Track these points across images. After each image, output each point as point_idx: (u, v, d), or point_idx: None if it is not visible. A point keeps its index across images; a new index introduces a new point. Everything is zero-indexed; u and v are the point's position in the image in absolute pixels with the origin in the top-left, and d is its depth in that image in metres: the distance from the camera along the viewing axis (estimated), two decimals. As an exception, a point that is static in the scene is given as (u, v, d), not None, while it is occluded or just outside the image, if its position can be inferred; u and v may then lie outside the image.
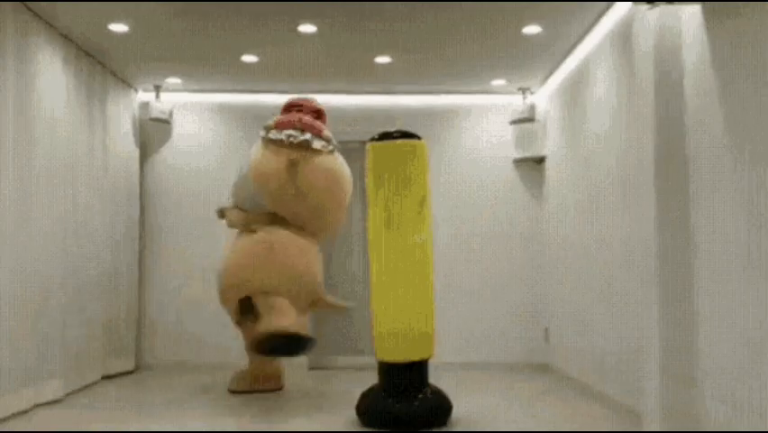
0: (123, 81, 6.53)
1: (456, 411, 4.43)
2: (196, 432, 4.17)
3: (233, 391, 5.48)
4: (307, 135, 4.97)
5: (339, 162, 5.22)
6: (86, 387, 5.59)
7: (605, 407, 4.83)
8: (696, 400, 3.50)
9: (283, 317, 4.71)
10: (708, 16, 3.46)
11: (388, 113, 6.87)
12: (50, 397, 4.92)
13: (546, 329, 6.67)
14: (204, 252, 6.89)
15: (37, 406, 4.75)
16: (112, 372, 6.11)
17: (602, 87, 5.18)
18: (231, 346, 6.68)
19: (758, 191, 3.02)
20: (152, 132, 6.97)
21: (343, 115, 6.99)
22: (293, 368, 6.65)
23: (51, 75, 5.14)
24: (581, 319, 5.62)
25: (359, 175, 7.00)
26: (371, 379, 4.61)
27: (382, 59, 5.94)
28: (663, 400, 3.59)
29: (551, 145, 6.60)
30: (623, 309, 4.68)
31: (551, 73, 6.36)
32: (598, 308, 5.24)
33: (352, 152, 7.22)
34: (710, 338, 3.40)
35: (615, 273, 4.86)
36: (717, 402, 3.32)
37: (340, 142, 6.65)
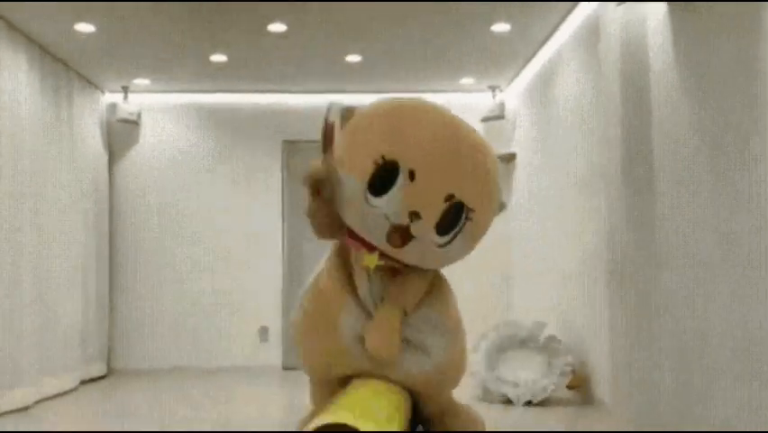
0: (90, 83, 6.44)
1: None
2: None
3: None
4: None
5: None
6: (64, 393, 5.50)
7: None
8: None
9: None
10: (673, 14, 3.51)
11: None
12: (19, 404, 4.84)
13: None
14: (173, 255, 6.84)
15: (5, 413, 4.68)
16: (85, 377, 6.03)
17: (570, 84, 5.23)
18: (202, 349, 6.67)
19: (722, 184, 3.07)
20: (120, 133, 6.90)
21: (314, 114, 6.96)
22: (267, 368, 6.64)
23: (14, 77, 5.04)
24: (554, 314, 5.68)
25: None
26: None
27: (353, 58, 5.93)
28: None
29: (520, 142, 6.66)
30: (592, 301, 4.73)
31: (520, 71, 6.41)
32: (573, 303, 5.29)
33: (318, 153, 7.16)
34: (667, 329, 3.46)
35: (581, 269, 4.92)
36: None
37: (309, 142, 6.61)
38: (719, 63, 3.09)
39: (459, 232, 3.34)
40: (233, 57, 5.87)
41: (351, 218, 3.37)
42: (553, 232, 5.70)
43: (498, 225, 3.69)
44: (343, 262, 3.49)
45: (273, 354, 6.79)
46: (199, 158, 6.97)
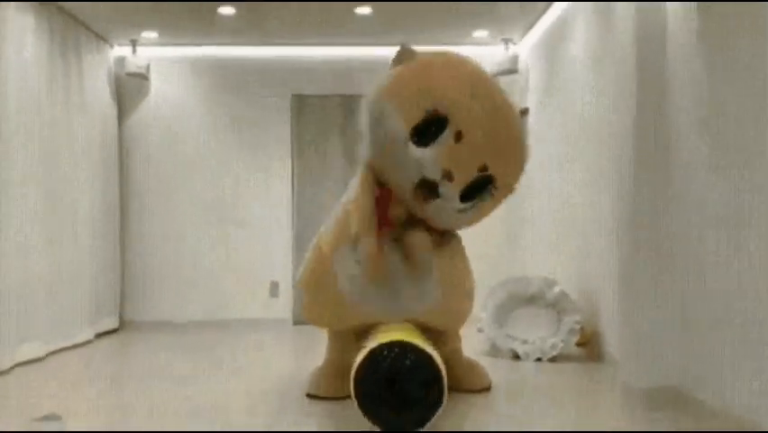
0: (98, 36, 6.38)
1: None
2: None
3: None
4: None
5: None
6: (77, 346, 5.57)
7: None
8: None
9: None
10: (691, -36, 3.41)
11: (368, 66, 6.76)
12: (32, 356, 4.90)
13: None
14: (183, 209, 6.85)
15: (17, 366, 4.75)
16: (96, 331, 6.09)
17: (583, 37, 5.12)
18: (213, 303, 6.73)
19: (741, 136, 3.01)
20: (129, 87, 6.85)
21: (323, 68, 6.89)
22: (278, 323, 6.70)
23: (23, 32, 4.99)
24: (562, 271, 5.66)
25: (340, 132, 6.95)
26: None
27: (363, 10, 5.82)
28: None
29: (534, 97, 6.56)
30: (602, 258, 4.71)
31: (533, 24, 6.28)
32: (575, 259, 5.27)
33: (333, 107, 7.14)
34: (677, 286, 3.44)
35: (591, 225, 4.88)
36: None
37: (318, 97, 6.58)
38: (742, 24, 3.00)
39: (477, 203, 3.38)
40: (241, 9, 5.78)
41: (385, 159, 3.38)
42: (563, 187, 5.65)
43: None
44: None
45: (283, 309, 6.83)
46: (208, 111, 6.92)
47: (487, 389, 3.81)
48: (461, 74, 3.54)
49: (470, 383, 3.76)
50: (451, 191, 3.35)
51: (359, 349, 3.27)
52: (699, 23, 3.36)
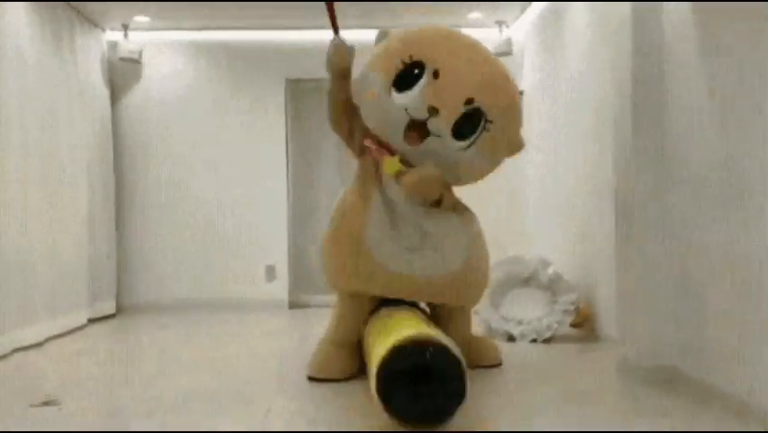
0: (89, 20, 6.34)
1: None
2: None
3: None
4: None
5: None
6: (72, 331, 5.58)
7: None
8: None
9: None
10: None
11: (363, 49, 6.72)
12: (31, 341, 4.92)
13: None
14: (178, 193, 6.85)
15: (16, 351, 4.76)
16: (93, 316, 6.11)
17: (580, 20, 5.12)
18: (209, 286, 6.75)
19: (733, 125, 3.03)
20: (122, 72, 6.82)
21: (317, 52, 6.85)
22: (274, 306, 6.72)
23: (16, 17, 4.96)
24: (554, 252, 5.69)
25: (326, 116, 6.92)
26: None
27: (356, -7, 5.80)
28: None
29: (528, 79, 6.55)
30: (599, 238, 4.73)
31: (527, 5, 6.27)
32: (570, 239, 5.29)
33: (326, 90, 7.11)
34: (673, 265, 3.47)
35: (588, 205, 4.90)
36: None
37: (313, 81, 6.55)
38: (733, 6, 3.01)
39: (476, 139, 3.44)
40: (235, -8, 5.75)
41: (372, 115, 3.51)
42: (560, 167, 5.67)
43: (507, 161, 3.73)
44: (367, 179, 3.58)
45: (280, 291, 6.85)
46: (202, 95, 6.91)
47: (498, 364, 3.90)
48: (438, 29, 3.77)
49: (484, 360, 3.88)
50: (440, 126, 3.48)
51: (363, 327, 3.45)
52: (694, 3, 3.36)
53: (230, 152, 6.91)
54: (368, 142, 3.60)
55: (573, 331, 4.96)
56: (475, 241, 3.71)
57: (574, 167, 5.30)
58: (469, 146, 3.48)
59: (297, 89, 6.95)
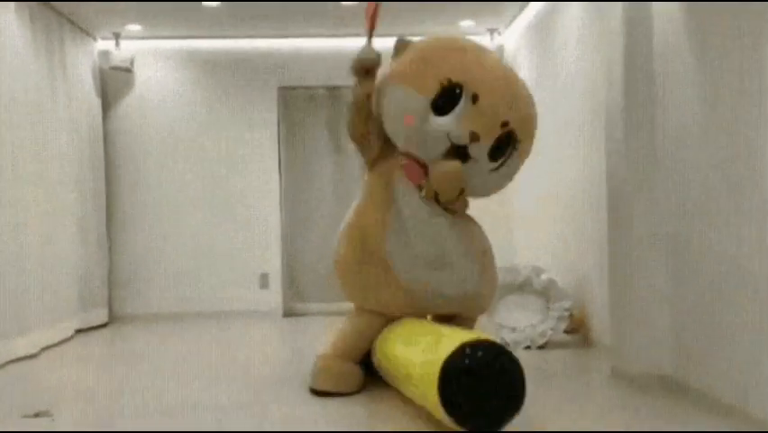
0: (81, 29, 6.33)
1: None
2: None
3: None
4: None
5: None
6: (62, 342, 5.55)
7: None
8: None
9: None
10: (675, -48, 3.42)
11: (353, 57, 6.73)
12: (22, 353, 4.88)
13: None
14: (170, 203, 6.84)
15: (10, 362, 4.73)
16: (85, 325, 6.07)
17: (571, 26, 5.14)
18: (203, 296, 6.73)
19: (725, 126, 3.04)
20: (114, 81, 6.81)
21: (309, 60, 6.87)
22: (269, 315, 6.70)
23: (5, 27, 4.94)
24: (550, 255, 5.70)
25: (326, 123, 6.94)
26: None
27: (348, 2, 5.81)
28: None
29: (519, 86, 6.56)
30: (592, 244, 4.74)
31: (519, 13, 6.29)
32: (567, 244, 5.30)
33: (319, 98, 7.13)
34: (666, 270, 3.48)
35: (581, 211, 4.91)
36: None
37: (304, 89, 6.55)
38: (724, 6, 3.03)
39: (507, 159, 3.53)
40: (226, 2, 5.75)
41: (405, 134, 3.52)
42: (553, 174, 5.68)
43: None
44: (381, 196, 3.60)
45: (274, 300, 6.83)
46: (194, 104, 6.90)
47: None
48: (464, 44, 3.77)
49: None
50: (480, 150, 3.55)
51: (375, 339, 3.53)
52: (685, 6, 3.38)
53: (222, 161, 6.90)
54: (404, 161, 3.60)
55: (568, 337, 4.96)
56: (486, 255, 3.76)
57: (566, 172, 5.31)
58: (499, 166, 3.59)
59: (288, 97, 6.95)
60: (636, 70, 3.67)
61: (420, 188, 3.53)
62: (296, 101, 6.95)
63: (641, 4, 3.67)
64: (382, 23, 6.36)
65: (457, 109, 3.44)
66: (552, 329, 4.74)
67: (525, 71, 6.40)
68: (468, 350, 2.75)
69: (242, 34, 6.70)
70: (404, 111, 3.50)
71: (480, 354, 2.75)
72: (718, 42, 3.07)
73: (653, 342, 3.59)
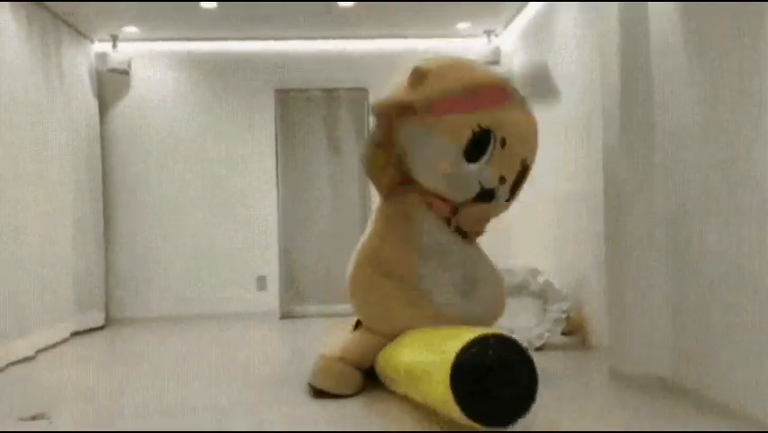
0: (78, 32, 6.32)
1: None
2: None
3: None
4: None
5: None
6: (57, 344, 5.53)
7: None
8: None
9: None
10: (673, -46, 3.44)
11: (350, 59, 6.76)
12: (22, 354, 4.87)
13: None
14: (167, 205, 6.83)
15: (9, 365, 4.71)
16: (81, 328, 6.05)
17: (568, 27, 5.15)
18: (200, 298, 6.72)
19: (724, 127, 3.05)
20: (111, 83, 6.80)
21: (306, 61, 6.87)
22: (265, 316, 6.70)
23: (2, 29, 4.93)
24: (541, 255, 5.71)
25: (323, 125, 6.94)
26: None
27: (346, 4, 5.82)
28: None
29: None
30: (589, 246, 4.75)
31: (516, 15, 6.31)
32: (559, 244, 5.31)
33: (316, 100, 7.13)
34: (664, 272, 3.48)
35: (578, 213, 4.92)
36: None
37: (301, 91, 6.55)
38: (721, 6, 3.04)
39: (518, 190, 3.68)
40: (223, 3, 5.75)
41: (438, 179, 3.61)
42: (548, 176, 5.69)
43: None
44: (403, 225, 3.68)
45: (271, 302, 6.83)
46: (191, 106, 6.90)
47: None
48: (473, 68, 3.81)
49: None
50: (505, 191, 3.68)
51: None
52: (681, 8, 3.40)
53: (220, 163, 6.90)
54: (430, 199, 3.72)
55: (565, 339, 4.96)
56: (499, 276, 3.94)
57: (562, 173, 5.33)
58: (511, 198, 3.69)
59: (286, 99, 6.96)
60: (634, 71, 3.68)
61: (448, 221, 3.71)
62: (292, 103, 6.95)
63: (637, 5, 3.69)
64: (379, 24, 6.41)
65: (488, 154, 3.50)
66: (549, 331, 4.75)
67: (519, 73, 6.42)
68: (478, 345, 2.77)
69: (239, 36, 6.71)
70: (438, 157, 3.56)
71: (491, 349, 2.78)
72: (717, 42, 3.09)
73: (652, 343, 3.60)
